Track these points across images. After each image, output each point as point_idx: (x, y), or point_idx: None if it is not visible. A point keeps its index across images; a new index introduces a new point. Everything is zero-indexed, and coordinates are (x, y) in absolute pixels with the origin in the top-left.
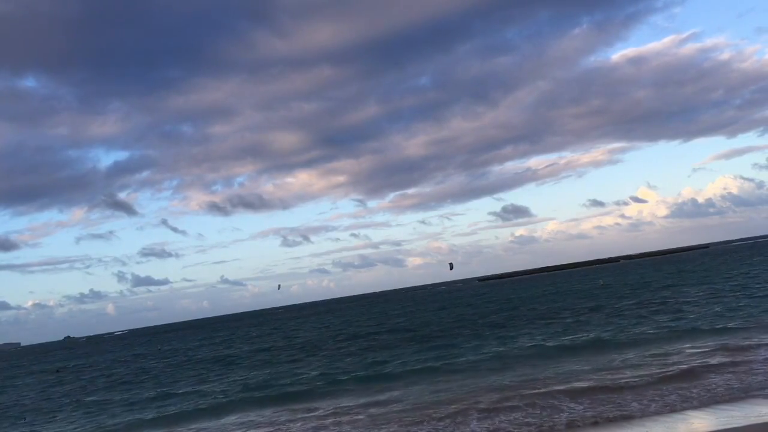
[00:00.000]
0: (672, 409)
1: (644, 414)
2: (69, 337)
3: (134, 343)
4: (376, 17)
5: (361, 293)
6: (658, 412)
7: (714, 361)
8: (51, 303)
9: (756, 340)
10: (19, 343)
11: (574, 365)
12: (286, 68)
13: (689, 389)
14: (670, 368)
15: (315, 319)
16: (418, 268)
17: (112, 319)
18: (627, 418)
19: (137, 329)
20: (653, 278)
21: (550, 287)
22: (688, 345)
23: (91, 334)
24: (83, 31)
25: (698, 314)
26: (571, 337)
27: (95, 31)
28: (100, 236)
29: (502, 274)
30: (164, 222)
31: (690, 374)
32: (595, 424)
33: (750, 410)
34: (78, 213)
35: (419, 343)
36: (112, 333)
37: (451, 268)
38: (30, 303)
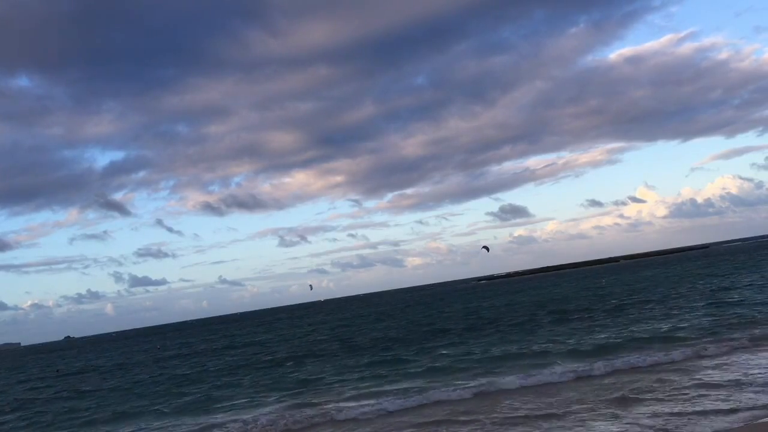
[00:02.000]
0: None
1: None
2: (69, 337)
3: (132, 344)
4: (370, 16)
5: (362, 293)
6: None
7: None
8: (50, 303)
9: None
10: (20, 343)
11: None
12: (280, 68)
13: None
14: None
15: (264, 326)
16: (417, 268)
17: (111, 319)
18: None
19: (139, 329)
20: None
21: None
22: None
23: (91, 334)
24: (75, 30)
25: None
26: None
27: (87, 30)
28: (97, 236)
29: (501, 274)
30: (161, 222)
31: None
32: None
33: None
34: (74, 213)
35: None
36: (110, 333)
37: (488, 250)
38: (29, 303)
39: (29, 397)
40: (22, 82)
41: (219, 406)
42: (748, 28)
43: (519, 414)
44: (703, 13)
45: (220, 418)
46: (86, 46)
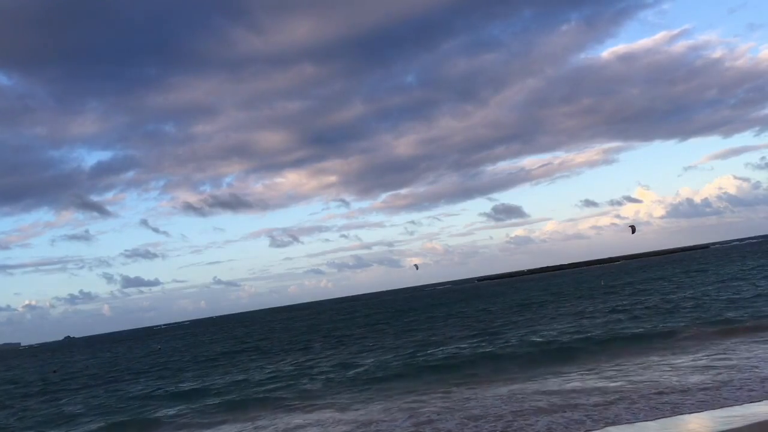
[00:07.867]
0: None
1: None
2: (69, 336)
3: (132, 345)
4: (355, 13)
5: (361, 293)
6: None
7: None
8: (47, 304)
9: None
10: (19, 343)
11: None
12: (266, 66)
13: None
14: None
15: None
16: (415, 268)
17: (109, 319)
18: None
19: (139, 329)
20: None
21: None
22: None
23: (91, 334)
24: (55, 27)
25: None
26: None
27: (67, 27)
28: (89, 237)
29: (501, 274)
30: (153, 223)
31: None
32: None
33: (747, 410)
34: (64, 214)
35: None
36: (103, 334)
37: (633, 231)
38: (25, 303)
39: None
40: (2, 80)
41: None
42: (742, 25)
43: None
44: (697, 10)
45: None
46: (66, 44)
